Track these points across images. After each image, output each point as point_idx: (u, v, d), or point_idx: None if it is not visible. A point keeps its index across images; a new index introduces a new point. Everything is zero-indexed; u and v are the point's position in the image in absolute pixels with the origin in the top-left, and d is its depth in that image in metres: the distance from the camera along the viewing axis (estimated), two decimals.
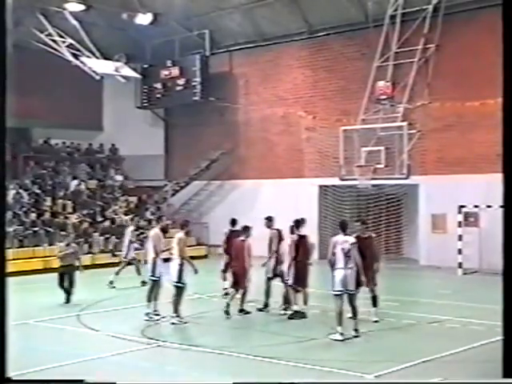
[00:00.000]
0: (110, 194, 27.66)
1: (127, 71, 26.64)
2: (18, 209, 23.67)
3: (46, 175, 26.86)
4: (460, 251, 20.33)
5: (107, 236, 24.38)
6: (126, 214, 26.39)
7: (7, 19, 5.32)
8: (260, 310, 13.91)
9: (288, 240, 13.46)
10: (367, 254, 12.15)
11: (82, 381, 5.90)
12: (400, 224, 24.05)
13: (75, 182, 27.09)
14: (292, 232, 13.40)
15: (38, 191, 25.45)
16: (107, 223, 25.08)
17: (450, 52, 22.32)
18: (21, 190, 24.66)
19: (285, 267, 13.43)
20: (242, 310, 13.48)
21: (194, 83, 27.52)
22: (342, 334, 11.06)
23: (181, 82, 27.86)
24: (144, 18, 25.08)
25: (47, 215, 24.14)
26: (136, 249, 18.60)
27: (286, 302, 13.54)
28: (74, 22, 24.16)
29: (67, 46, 24.65)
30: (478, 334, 11.64)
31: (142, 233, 25.44)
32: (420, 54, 22.75)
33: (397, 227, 23.94)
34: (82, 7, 23.98)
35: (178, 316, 12.66)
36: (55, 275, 20.37)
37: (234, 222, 15.80)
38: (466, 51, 21.84)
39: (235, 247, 13.61)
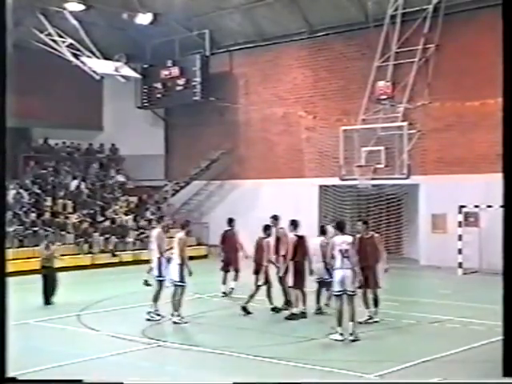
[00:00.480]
0: (111, 194, 27.64)
1: (127, 71, 26.58)
2: (18, 209, 23.66)
3: (46, 175, 26.84)
4: (460, 251, 20.30)
5: (107, 236, 24.39)
6: (126, 214, 26.47)
7: (7, 19, 5.33)
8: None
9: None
10: (369, 254, 12.11)
11: (80, 381, 5.91)
12: (400, 224, 24.04)
13: (75, 181, 27.08)
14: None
15: (38, 191, 25.43)
16: (107, 223, 25.08)
17: (450, 52, 22.31)
18: (21, 190, 24.66)
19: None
20: (244, 308, 13.47)
21: (194, 83, 27.49)
22: (341, 334, 11.04)
23: (181, 81, 27.82)
24: (144, 18, 25.03)
25: (47, 215, 24.13)
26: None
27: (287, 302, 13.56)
28: (74, 22, 24.11)
29: (67, 46, 24.61)
30: (479, 334, 11.62)
31: (143, 233, 25.63)
32: (420, 54, 22.71)
33: (397, 227, 23.93)
34: (81, 7, 23.95)
35: (179, 315, 12.64)
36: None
37: (230, 221, 16.18)
38: (466, 51, 21.82)
39: (259, 245, 13.58)
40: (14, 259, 19.49)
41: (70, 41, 24.56)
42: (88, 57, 24.88)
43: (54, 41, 24.56)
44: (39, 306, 14.75)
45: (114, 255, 23.98)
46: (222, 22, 26.96)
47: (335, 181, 24.27)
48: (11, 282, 5.52)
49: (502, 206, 7.42)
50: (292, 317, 12.95)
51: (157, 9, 25.14)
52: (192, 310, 13.51)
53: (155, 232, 13.52)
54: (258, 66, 27.15)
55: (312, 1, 24.47)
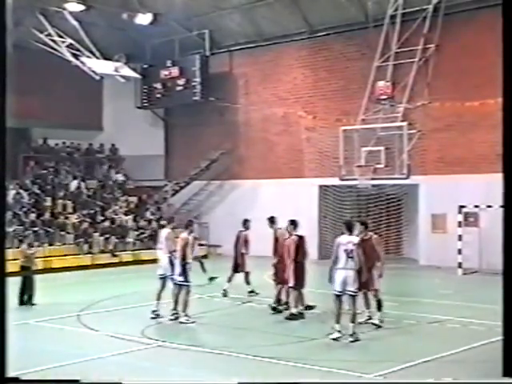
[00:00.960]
0: (110, 194, 27.61)
1: (127, 71, 26.58)
2: (18, 209, 23.64)
3: (46, 175, 26.81)
4: (460, 251, 20.26)
5: (107, 236, 24.37)
6: (126, 214, 26.44)
7: (7, 19, 5.31)
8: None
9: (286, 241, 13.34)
10: (367, 255, 11.90)
11: (77, 381, 5.89)
12: (400, 224, 24.02)
13: (75, 182, 27.05)
14: (289, 233, 13.33)
15: (37, 191, 25.42)
16: (107, 223, 25.06)
17: (449, 52, 22.30)
18: (21, 190, 24.61)
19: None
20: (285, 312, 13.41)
21: (193, 83, 27.46)
22: (339, 331, 10.97)
23: (181, 82, 27.79)
24: (144, 18, 25.00)
25: (47, 215, 24.11)
26: (200, 245, 18.38)
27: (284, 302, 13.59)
28: (74, 22, 24.09)
29: (67, 46, 24.59)
30: (479, 334, 11.60)
31: (143, 233, 25.64)
32: (420, 54, 22.72)
33: (397, 227, 23.91)
34: (81, 7, 23.90)
35: (186, 315, 12.68)
36: (55, 275, 20.29)
37: (245, 222, 16.23)
38: (466, 51, 21.82)
39: (281, 245, 13.52)
40: (14, 259, 19.43)
41: (69, 41, 24.56)
42: (88, 57, 24.88)
43: (53, 41, 24.56)
44: (39, 306, 14.70)
45: (114, 255, 23.95)
46: (222, 22, 26.93)
47: (335, 181, 24.24)
48: (11, 281, 5.51)
49: (501, 206, 7.42)
50: (292, 317, 12.93)
51: (157, 9, 25.12)
52: (192, 310, 13.41)
53: (165, 232, 13.60)
54: (258, 66, 27.13)
55: (312, 1, 24.46)
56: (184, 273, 12.67)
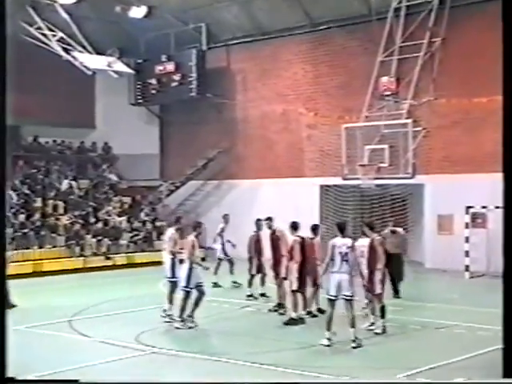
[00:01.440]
0: (103, 195, 27.50)
1: (120, 66, 26.40)
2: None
3: (36, 175, 26.59)
4: (467, 253, 20.16)
5: (100, 238, 24.20)
6: (119, 216, 26.42)
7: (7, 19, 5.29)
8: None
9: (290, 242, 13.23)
10: (369, 258, 11.86)
11: (76, 381, 5.97)
12: (405, 225, 23.68)
13: (66, 181, 26.89)
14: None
15: (27, 191, 25.16)
16: (100, 225, 24.92)
17: (456, 46, 22.14)
18: (10, 191, 24.23)
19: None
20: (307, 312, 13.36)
21: (190, 79, 27.27)
22: (329, 339, 10.85)
23: (176, 77, 27.62)
24: (138, 11, 24.79)
25: (37, 216, 23.85)
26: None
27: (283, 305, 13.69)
28: (65, 15, 23.85)
29: (58, 40, 24.41)
30: (487, 339, 11.26)
31: (137, 235, 25.27)
32: (425, 49, 22.60)
33: (401, 229, 23.63)
34: (73, 0, 23.63)
35: (182, 320, 12.53)
36: (46, 279, 20.07)
37: (258, 223, 16.25)
38: (473, 45, 21.62)
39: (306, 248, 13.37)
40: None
41: (60, 35, 24.38)
42: (79, 51, 24.73)
43: (44, 35, 24.39)
44: (29, 312, 14.25)
45: (107, 258, 24.03)
46: (219, 15, 26.78)
47: (337, 180, 24.24)
48: None
49: (497, 207, 6.94)
50: (291, 322, 12.77)
51: (151, 1, 24.96)
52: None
53: (169, 232, 13.68)
54: (257, 61, 27.04)
55: None
56: (188, 278, 12.43)
